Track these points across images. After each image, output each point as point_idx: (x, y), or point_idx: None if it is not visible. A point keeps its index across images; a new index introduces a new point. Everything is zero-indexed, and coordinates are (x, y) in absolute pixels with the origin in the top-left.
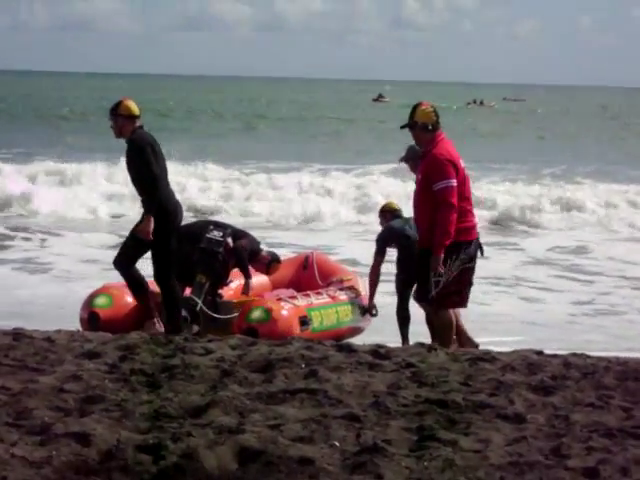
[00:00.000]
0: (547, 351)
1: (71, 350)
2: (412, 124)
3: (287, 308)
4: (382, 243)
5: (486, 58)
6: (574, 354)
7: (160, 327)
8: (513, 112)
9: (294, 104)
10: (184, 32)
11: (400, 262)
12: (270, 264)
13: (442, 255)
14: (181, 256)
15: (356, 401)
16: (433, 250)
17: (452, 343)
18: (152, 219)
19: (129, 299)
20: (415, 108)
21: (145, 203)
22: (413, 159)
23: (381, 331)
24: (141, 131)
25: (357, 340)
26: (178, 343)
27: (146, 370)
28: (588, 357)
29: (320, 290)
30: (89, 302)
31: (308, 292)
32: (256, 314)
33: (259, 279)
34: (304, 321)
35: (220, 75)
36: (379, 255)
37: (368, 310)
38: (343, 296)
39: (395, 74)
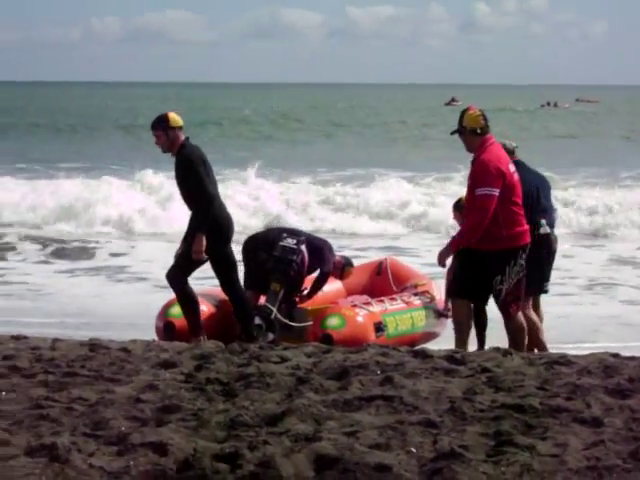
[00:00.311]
0: (624, 353)
1: (147, 360)
2: (461, 129)
3: (362, 314)
4: None
5: (556, 60)
6: None
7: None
8: (589, 113)
9: (369, 110)
10: (255, 40)
11: None
12: (344, 268)
13: (452, 252)
14: (255, 264)
15: (432, 407)
16: (449, 244)
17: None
18: (204, 238)
19: (204, 308)
20: (463, 113)
21: (197, 220)
22: None
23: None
24: (190, 144)
25: (433, 345)
26: (253, 351)
27: (222, 379)
28: None
29: (394, 296)
30: (164, 312)
31: (382, 298)
32: (331, 321)
33: (333, 285)
34: (379, 327)
35: (291, 82)
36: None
37: (444, 313)
38: (417, 301)
39: (466, 77)
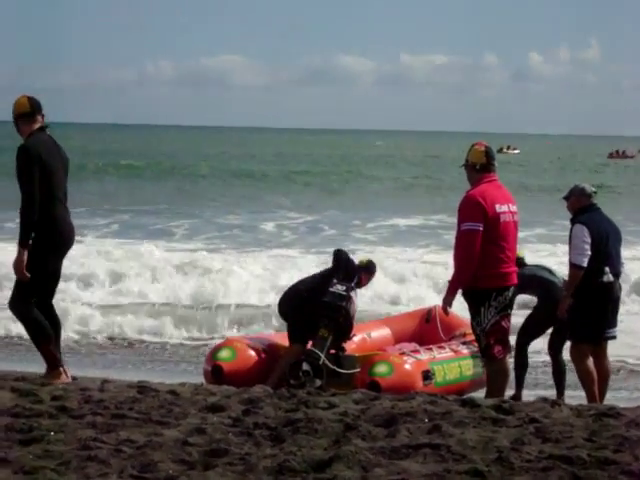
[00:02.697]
0: None
1: (195, 403)
2: (465, 163)
3: (410, 362)
4: None
5: (611, 109)
6: None
7: (67, 377)
8: None
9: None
10: (308, 86)
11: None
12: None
13: (452, 296)
14: (306, 310)
15: (480, 456)
16: (447, 288)
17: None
18: (25, 253)
19: (252, 352)
20: (471, 147)
21: (20, 226)
22: (570, 197)
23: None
24: (38, 137)
25: (481, 394)
26: (301, 397)
27: (269, 424)
28: None
29: (443, 344)
30: (212, 355)
31: (431, 346)
32: (380, 368)
33: (382, 332)
34: (427, 375)
35: (343, 129)
36: None
37: None
38: (466, 350)
39: (517, 127)
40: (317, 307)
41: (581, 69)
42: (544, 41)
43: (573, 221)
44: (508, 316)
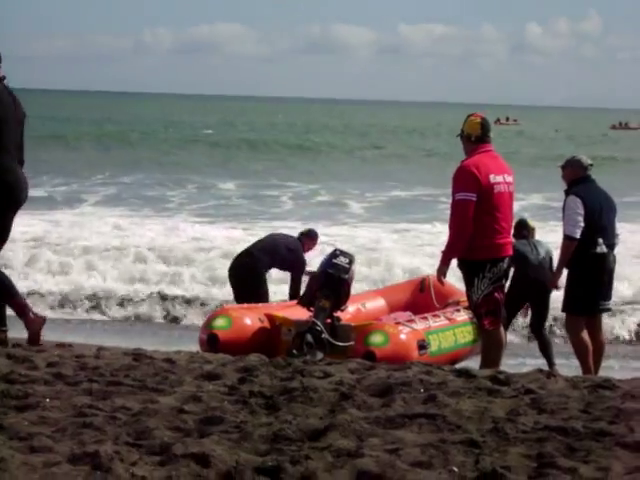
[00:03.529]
0: None
1: (191, 371)
2: (460, 133)
3: (405, 332)
4: None
5: (609, 83)
6: None
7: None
8: None
9: (431, 130)
10: (307, 55)
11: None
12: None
13: (446, 266)
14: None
15: (475, 427)
16: (441, 258)
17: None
18: None
19: (248, 321)
20: (466, 118)
21: None
22: (565, 167)
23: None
24: None
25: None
26: (297, 366)
27: (265, 392)
28: None
29: (437, 312)
30: (208, 324)
31: (425, 315)
32: (375, 338)
33: (376, 302)
34: (422, 345)
35: (343, 98)
36: None
37: None
38: (460, 317)
39: (517, 98)
40: (319, 277)
41: (580, 41)
42: (543, 12)
43: (567, 192)
44: (502, 287)
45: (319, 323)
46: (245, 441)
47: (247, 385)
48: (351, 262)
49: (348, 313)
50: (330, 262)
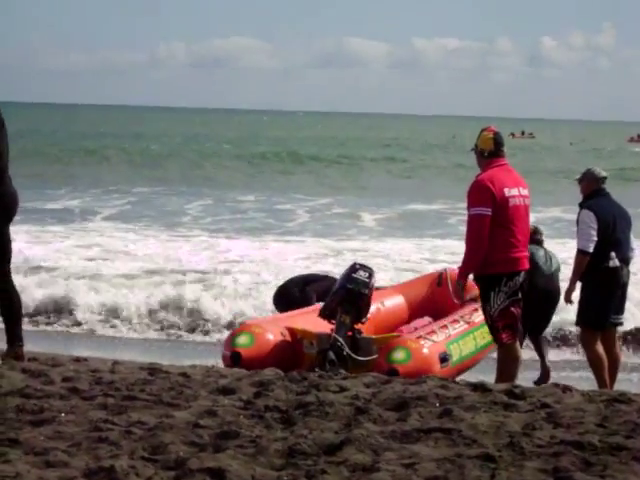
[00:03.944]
0: None
1: (206, 385)
2: (474, 148)
3: (428, 346)
4: None
5: (622, 96)
6: None
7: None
8: None
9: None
10: (319, 69)
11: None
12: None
13: (463, 281)
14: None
15: (491, 441)
16: (458, 275)
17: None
18: None
19: (270, 336)
20: (480, 133)
21: None
22: (582, 180)
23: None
24: None
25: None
26: (312, 380)
27: (280, 407)
28: None
29: (456, 316)
30: (231, 341)
31: (445, 322)
32: (397, 355)
33: (395, 300)
34: (444, 358)
35: (355, 112)
36: None
37: None
38: (478, 318)
39: (531, 112)
40: (339, 292)
41: (595, 54)
42: (557, 25)
43: (581, 206)
44: (519, 301)
45: (340, 339)
46: (261, 456)
47: (262, 399)
48: (371, 276)
49: (368, 312)
50: (350, 277)
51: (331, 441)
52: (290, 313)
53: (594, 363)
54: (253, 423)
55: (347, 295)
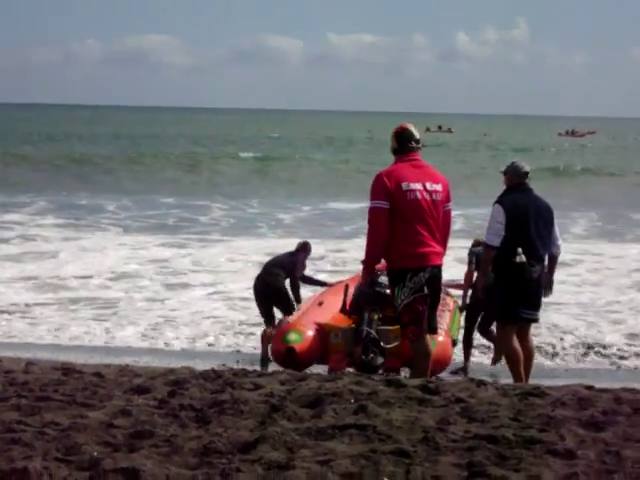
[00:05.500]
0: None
1: (120, 385)
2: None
3: (442, 334)
4: (470, 256)
5: (537, 90)
6: (624, 389)
7: None
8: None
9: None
10: (235, 65)
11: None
12: None
13: (367, 275)
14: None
15: (405, 436)
16: (362, 269)
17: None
18: None
19: (310, 332)
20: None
21: None
22: (506, 173)
23: None
24: None
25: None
26: (227, 378)
27: (195, 405)
28: (639, 392)
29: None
30: (282, 338)
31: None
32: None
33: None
34: (454, 341)
35: (273, 108)
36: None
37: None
38: (451, 303)
39: (445, 106)
40: (369, 295)
41: (509, 49)
42: (472, 21)
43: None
44: (425, 298)
45: (373, 332)
46: (175, 454)
47: (177, 398)
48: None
49: None
50: (376, 281)
51: (246, 439)
52: (304, 309)
53: (510, 358)
54: (167, 422)
55: (377, 297)
